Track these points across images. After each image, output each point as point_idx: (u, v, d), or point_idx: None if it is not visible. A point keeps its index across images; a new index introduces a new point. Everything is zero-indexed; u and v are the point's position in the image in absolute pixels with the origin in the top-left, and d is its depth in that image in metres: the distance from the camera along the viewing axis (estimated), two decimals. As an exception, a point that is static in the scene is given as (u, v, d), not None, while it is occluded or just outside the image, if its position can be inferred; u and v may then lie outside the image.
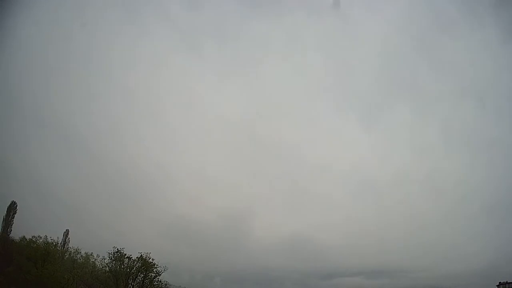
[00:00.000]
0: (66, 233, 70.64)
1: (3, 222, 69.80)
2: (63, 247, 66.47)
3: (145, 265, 57.84)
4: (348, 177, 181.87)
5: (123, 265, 57.42)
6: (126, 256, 57.75)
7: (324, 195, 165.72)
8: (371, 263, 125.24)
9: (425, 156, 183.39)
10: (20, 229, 67.18)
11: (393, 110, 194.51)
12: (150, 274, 58.52)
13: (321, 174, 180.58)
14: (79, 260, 59.56)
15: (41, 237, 58.40)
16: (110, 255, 57.54)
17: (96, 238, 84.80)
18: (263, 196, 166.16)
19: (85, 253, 61.77)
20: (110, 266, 57.99)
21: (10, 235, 68.70)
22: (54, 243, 59.01)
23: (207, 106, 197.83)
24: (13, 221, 70.16)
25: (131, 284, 57.92)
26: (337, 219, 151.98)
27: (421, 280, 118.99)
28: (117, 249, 57.41)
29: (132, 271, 57.85)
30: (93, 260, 60.73)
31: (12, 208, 70.52)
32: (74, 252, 62.32)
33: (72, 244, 67.23)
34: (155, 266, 58.45)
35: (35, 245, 56.60)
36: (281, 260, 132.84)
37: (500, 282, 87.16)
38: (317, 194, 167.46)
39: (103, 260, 59.02)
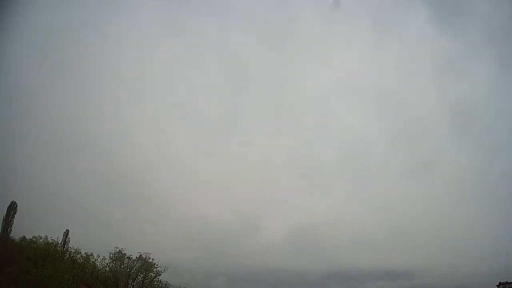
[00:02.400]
0: (66, 233, 70.41)
1: (3, 222, 69.62)
2: (63, 247, 66.32)
3: (145, 265, 57.93)
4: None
5: (123, 265, 57.50)
6: (126, 256, 57.87)
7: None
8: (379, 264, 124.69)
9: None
10: (20, 229, 67.04)
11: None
12: (150, 274, 58.62)
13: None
14: (79, 260, 59.58)
15: (41, 237, 58.32)
16: (111, 255, 57.67)
17: (96, 238, 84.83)
18: (267, 195, 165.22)
19: (85, 253, 61.93)
20: (110, 266, 58.02)
21: (10, 235, 68.65)
22: (54, 243, 59.00)
23: (207, 105, 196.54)
24: (13, 221, 69.97)
25: (131, 284, 57.98)
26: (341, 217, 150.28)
27: (420, 279, 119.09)
28: (119, 249, 57.59)
29: (132, 271, 57.93)
30: (93, 260, 60.81)
31: (12, 208, 70.35)
32: (75, 252, 62.40)
33: (72, 244, 67.17)
34: (155, 266, 58.60)
35: (35, 245, 56.58)
36: (284, 260, 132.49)
37: (500, 282, 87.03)
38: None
39: (103, 261, 59.09)
